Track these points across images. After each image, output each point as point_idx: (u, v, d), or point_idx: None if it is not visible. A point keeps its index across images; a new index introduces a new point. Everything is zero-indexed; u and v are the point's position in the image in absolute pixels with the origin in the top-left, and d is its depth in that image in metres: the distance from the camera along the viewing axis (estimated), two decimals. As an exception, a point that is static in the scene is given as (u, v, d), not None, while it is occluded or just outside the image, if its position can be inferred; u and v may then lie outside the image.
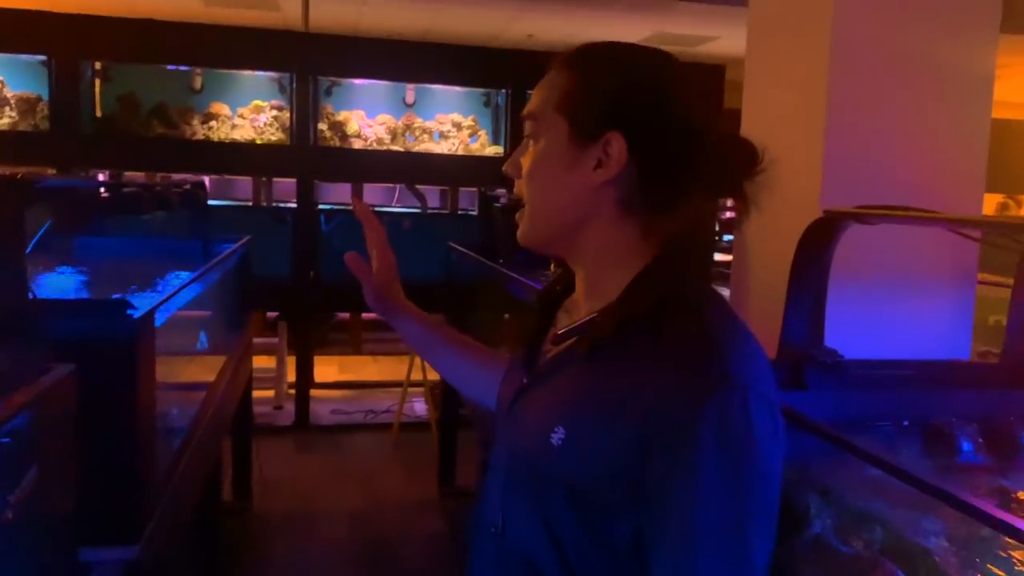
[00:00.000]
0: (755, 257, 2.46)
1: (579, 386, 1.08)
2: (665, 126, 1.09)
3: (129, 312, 1.91)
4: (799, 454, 1.61)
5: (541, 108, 1.14)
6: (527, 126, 1.16)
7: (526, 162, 1.15)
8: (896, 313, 2.20)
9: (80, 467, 1.51)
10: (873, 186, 2.11)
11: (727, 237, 5.26)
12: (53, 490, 1.37)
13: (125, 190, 2.75)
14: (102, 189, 2.73)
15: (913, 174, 2.19)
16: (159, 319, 2.16)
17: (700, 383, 0.98)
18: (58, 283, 2.95)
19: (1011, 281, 2.07)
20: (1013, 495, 1.52)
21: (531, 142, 1.15)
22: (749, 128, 2.54)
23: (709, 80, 6.42)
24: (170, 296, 2.31)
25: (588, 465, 1.02)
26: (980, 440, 1.67)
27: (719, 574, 0.96)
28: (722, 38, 8.80)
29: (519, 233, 1.17)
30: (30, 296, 1.74)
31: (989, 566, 1.30)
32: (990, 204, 9.77)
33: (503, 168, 1.19)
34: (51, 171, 5.24)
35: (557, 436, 1.05)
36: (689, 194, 1.11)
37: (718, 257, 4.10)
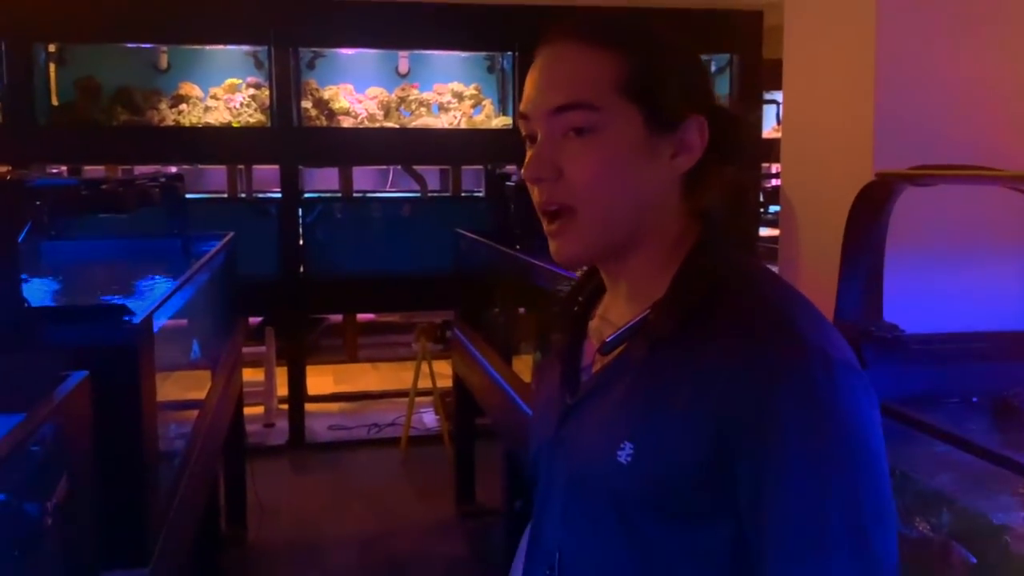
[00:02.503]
0: (804, 227, 2.58)
1: (639, 394, 1.07)
2: (716, 101, 1.14)
3: (127, 318, 2.06)
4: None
5: (598, 95, 1.08)
6: (572, 117, 1.08)
7: (579, 161, 1.08)
8: (959, 282, 2.31)
9: (98, 480, 1.65)
10: (929, 146, 2.21)
11: (772, 208, 5.36)
12: (81, 500, 1.52)
13: (103, 187, 2.89)
14: (81, 187, 2.87)
15: (972, 129, 2.30)
16: (155, 326, 2.30)
17: (772, 356, 0.98)
18: (42, 291, 3.09)
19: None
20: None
21: (575, 135, 1.08)
22: (791, 82, 2.66)
23: (745, 28, 6.50)
24: (165, 299, 2.45)
25: (665, 478, 1.02)
26: (1054, 413, 1.80)
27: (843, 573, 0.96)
28: (757, -20, 8.87)
29: (565, 249, 1.11)
30: (26, 305, 1.89)
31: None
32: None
33: (525, 174, 1.11)
34: (5, 168, 5.38)
35: (624, 453, 1.04)
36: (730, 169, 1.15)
37: (764, 232, 4.22)
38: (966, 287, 2.32)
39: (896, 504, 1.65)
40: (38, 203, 3.06)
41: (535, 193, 1.12)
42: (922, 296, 2.26)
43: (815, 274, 2.46)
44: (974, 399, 1.93)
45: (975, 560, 1.49)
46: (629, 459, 1.04)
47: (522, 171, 1.13)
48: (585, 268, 1.30)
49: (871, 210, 2.04)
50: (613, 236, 1.11)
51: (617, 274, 1.17)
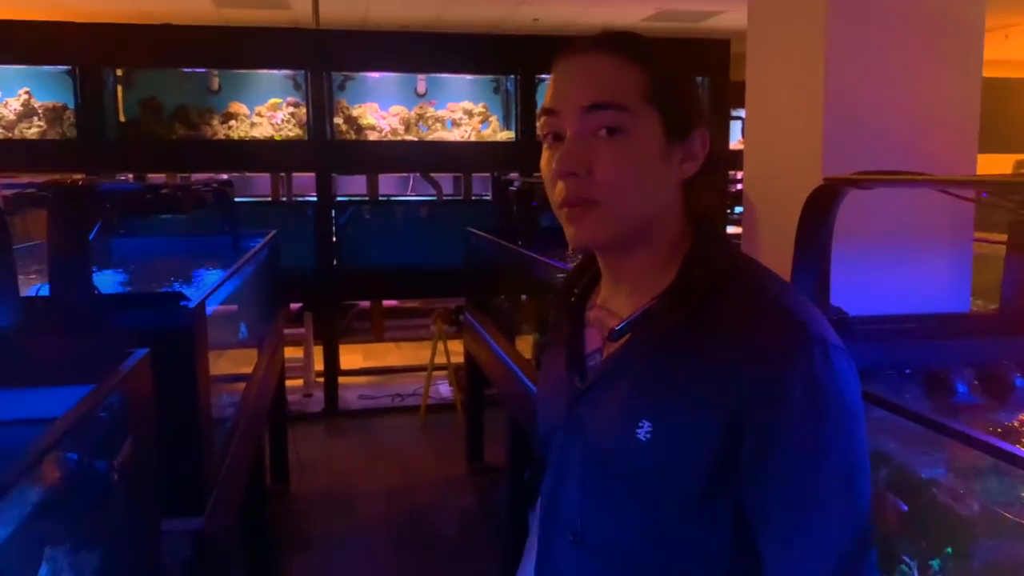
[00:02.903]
0: (763, 226, 2.58)
1: (654, 377, 1.05)
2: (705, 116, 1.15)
3: (184, 303, 2.07)
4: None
5: (628, 98, 1.06)
6: (605, 116, 1.05)
7: (608, 159, 1.04)
8: (896, 272, 2.31)
9: (158, 441, 1.65)
10: (873, 151, 2.21)
11: (738, 209, 5.37)
12: (144, 459, 1.53)
13: (164, 191, 2.90)
14: (144, 192, 2.89)
15: (910, 137, 2.30)
16: (207, 311, 2.30)
17: (782, 345, 0.98)
18: (111, 281, 3.10)
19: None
20: (1005, 427, 1.65)
21: (605, 134, 1.05)
22: (753, 101, 2.66)
23: (715, 54, 6.50)
24: (217, 287, 2.46)
25: (682, 453, 1.00)
26: (976, 383, 1.80)
27: (840, 528, 0.97)
28: (725, 12, 8.87)
29: (583, 236, 1.07)
30: (96, 292, 1.89)
31: (984, 493, 1.43)
32: (1008, 163, 9.78)
33: (557, 168, 1.05)
34: (80, 176, 5.39)
35: (643, 431, 1.02)
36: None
37: (729, 230, 4.22)
38: (902, 276, 2.32)
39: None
40: (107, 205, 3.08)
41: (559, 187, 1.06)
42: (864, 284, 2.26)
43: (772, 265, 2.45)
44: (907, 372, 1.93)
45: (906, 508, 1.49)
46: (648, 436, 1.02)
47: (553, 164, 1.07)
48: (580, 260, 1.27)
49: (820, 210, 2.04)
50: (627, 230, 1.08)
51: (621, 267, 1.13)
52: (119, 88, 6.19)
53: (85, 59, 5.65)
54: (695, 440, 0.99)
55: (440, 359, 6.55)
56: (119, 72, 6.14)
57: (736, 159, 7.25)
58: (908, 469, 1.53)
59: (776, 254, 2.41)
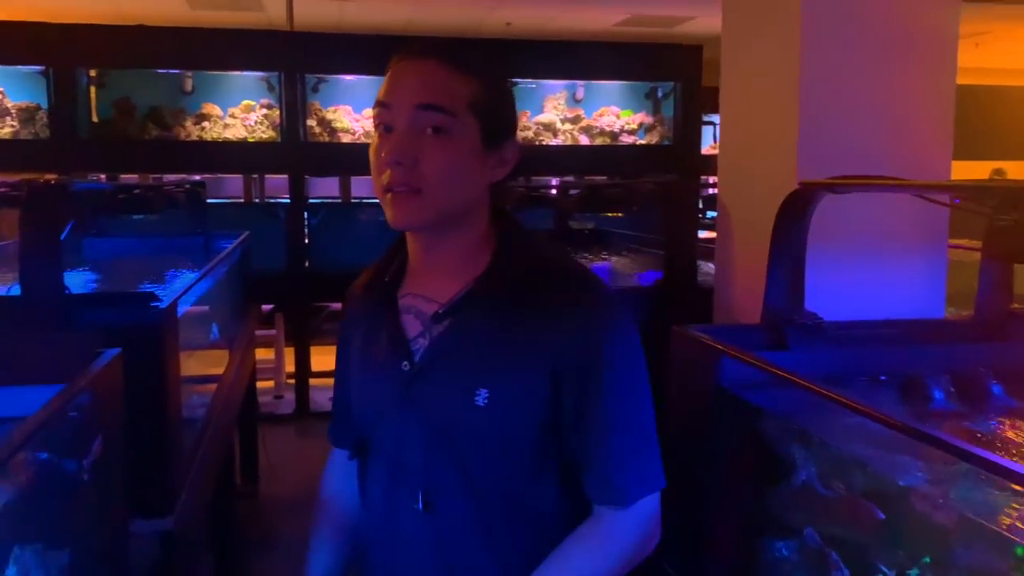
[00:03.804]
0: (738, 230, 2.57)
1: (486, 349, 1.18)
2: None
3: (154, 304, 2.02)
4: (782, 409, 1.73)
5: (454, 105, 1.18)
6: (433, 116, 1.16)
7: (432, 155, 1.16)
8: (871, 276, 2.32)
9: (128, 441, 1.61)
10: (848, 157, 2.21)
11: (710, 213, 5.37)
12: (113, 459, 1.49)
13: (136, 191, 2.84)
14: (117, 191, 2.84)
15: (884, 143, 2.30)
16: (178, 311, 2.25)
17: (591, 311, 1.19)
18: (82, 281, 3.04)
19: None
20: (981, 435, 1.65)
21: (431, 132, 1.16)
22: (727, 107, 2.65)
23: (687, 60, 6.50)
24: (189, 288, 2.41)
25: (517, 409, 1.17)
26: (952, 389, 1.79)
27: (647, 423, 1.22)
28: (698, 18, 8.91)
29: (404, 216, 1.18)
30: (66, 291, 1.85)
31: (962, 501, 1.42)
32: (984, 170, 9.87)
33: (387, 157, 1.17)
34: (52, 176, 5.30)
35: (481, 397, 1.16)
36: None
37: (702, 234, 4.21)
38: (877, 281, 2.33)
39: (815, 469, 1.66)
40: (80, 205, 3.02)
41: (387, 173, 1.17)
42: (839, 289, 2.26)
43: (746, 270, 2.45)
44: (882, 377, 1.92)
45: (883, 516, 1.48)
46: (486, 402, 1.16)
47: (381, 153, 1.18)
48: (388, 249, 1.38)
49: (795, 215, 2.03)
50: (442, 217, 1.20)
51: (436, 251, 1.25)
52: (92, 88, 6.10)
53: (58, 59, 5.56)
54: (527, 396, 1.17)
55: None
56: (92, 72, 6.05)
57: (709, 164, 7.25)
58: (884, 477, 1.52)
59: (750, 259, 2.41)
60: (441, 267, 1.25)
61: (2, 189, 2.71)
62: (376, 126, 1.22)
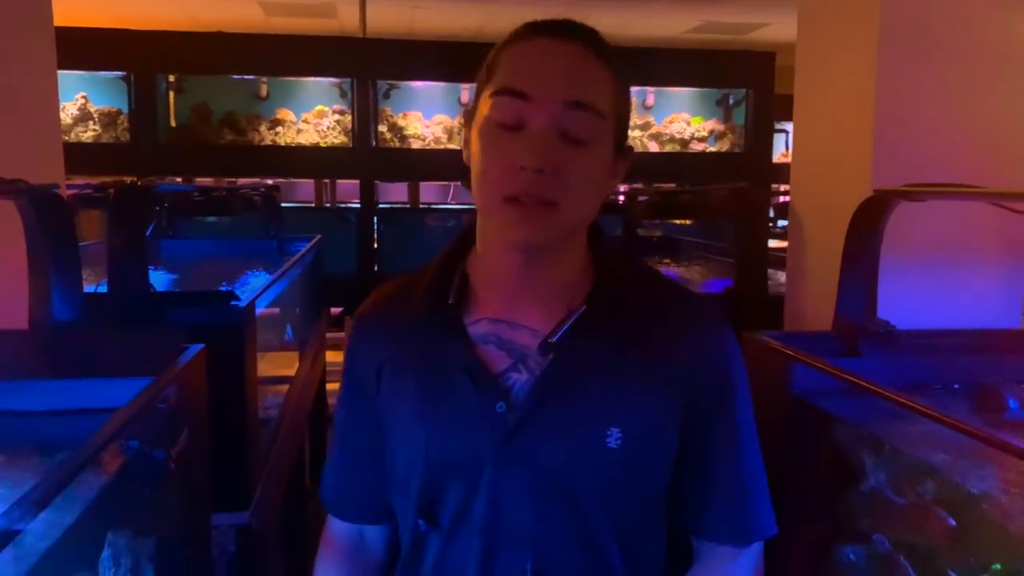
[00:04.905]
0: (811, 238, 2.57)
1: (609, 379, 1.01)
2: None
3: (234, 303, 2.10)
4: (854, 415, 1.74)
5: (605, 106, 1.01)
6: (583, 117, 0.97)
7: (578, 163, 0.98)
8: (945, 285, 2.30)
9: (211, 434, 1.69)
10: (925, 167, 2.20)
11: (781, 223, 5.33)
12: (197, 451, 1.56)
13: (214, 194, 2.95)
14: (196, 194, 2.95)
15: (963, 154, 2.28)
16: (256, 310, 2.34)
17: (718, 330, 1.10)
18: (163, 281, 3.16)
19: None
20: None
21: (576, 142, 0.98)
22: (801, 115, 2.65)
23: (760, 67, 6.47)
24: (266, 288, 2.49)
25: (650, 450, 1.02)
26: (1027, 399, 1.78)
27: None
28: (772, 24, 8.82)
29: (537, 234, 0.98)
30: (152, 290, 1.94)
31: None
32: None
33: (533, 162, 0.95)
34: (133, 179, 5.49)
35: (614, 439, 0.99)
36: None
37: (772, 243, 4.20)
38: (951, 290, 2.31)
39: (885, 475, 1.66)
40: (159, 207, 3.14)
41: (514, 181, 0.95)
42: (914, 298, 2.25)
43: (819, 278, 2.45)
44: (956, 386, 1.92)
45: (954, 523, 1.48)
46: (619, 443, 0.98)
47: (508, 155, 0.96)
48: (434, 265, 1.13)
49: (869, 221, 2.03)
50: (572, 230, 1.04)
51: (540, 270, 1.04)
52: (171, 94, 6.31)
53: (139, 65, 5.76)
54: (663, 431, 1.03)
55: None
56: (171, 78, 6.25)
57: (780, 172, 7.17)
58: (956, 483, 1.52)
59: (823, 266, 2.41)
60: (541, 290, 1.05)
61: (85, 191, 2.84)
62: (492, 118, 0.98)
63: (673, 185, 6.35)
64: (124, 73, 5.81)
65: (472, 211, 1.08)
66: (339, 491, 1.23)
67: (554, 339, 1.01)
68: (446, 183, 8.23)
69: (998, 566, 1.42)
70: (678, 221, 6.81)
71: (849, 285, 2.06)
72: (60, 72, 2.01)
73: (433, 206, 8.19)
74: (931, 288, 2.28)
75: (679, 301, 1.09)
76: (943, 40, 2.28)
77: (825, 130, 2.52)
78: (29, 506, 0.85)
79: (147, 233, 2.09)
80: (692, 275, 4.34)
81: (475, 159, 1.00)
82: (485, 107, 0.99)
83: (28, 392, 1.48)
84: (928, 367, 1.97)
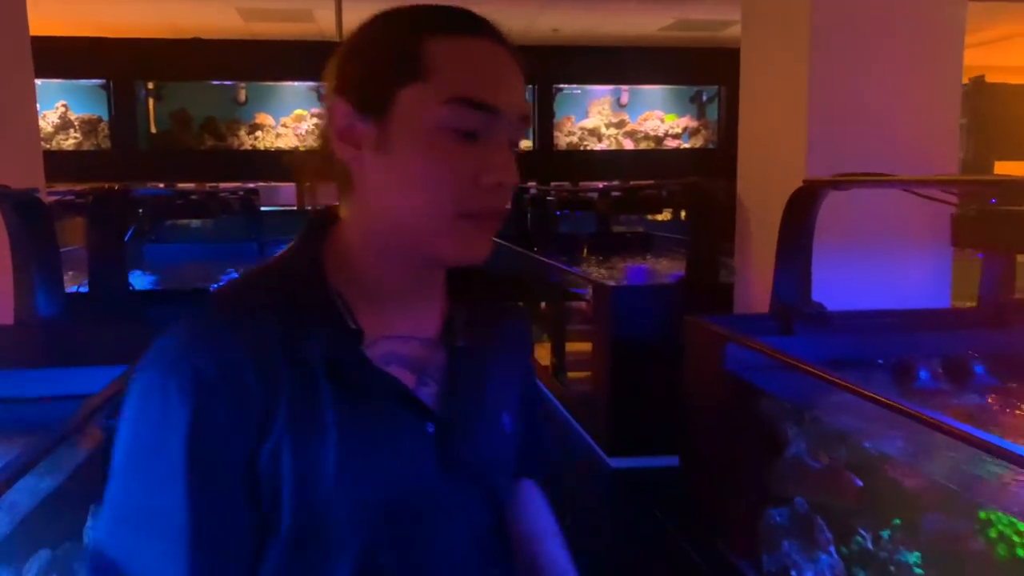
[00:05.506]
0: (755, 227, 2.72)
1: (486, 370, 1.00)
2: None
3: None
4: (782, 390, 1.89)
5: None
6: (524, 129, 0.93)
7: (516, 173, 0.90)
8: (879, 270, 2.44)
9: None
10: (857, 157, 2.33)
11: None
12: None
13: (192, 197, 3.08)
14: (175, 197, 3.08)
15: (892, 143, 2.42)
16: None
17: (525, 312, 1.17)
18: (146, 280, 3.28)
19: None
20: (954, 407, 1.79)
21: (511, 149, 0.90)
22: (746, 108, 2.80)
23: (732, 64, 6.58)
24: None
25: (518, 427, 1.07)
26: (939, 371, 1.93)
27: None
28: (743, 23, 8.93)
29: (487, 248, 0.91)
30: (131, 288, 2.08)
31: (933, 469, 1.57)
32: (1018, 171, 9.75)
33: (512, 180, 0.88)
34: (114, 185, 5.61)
35: (508, 423, 1.01)
36: None
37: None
38: (883, 274, 2.44)
39: (804, 444, 1.81)
40: (141, 210, 3.27)
41: (496, 195, 0.89)
42: (848, 281, 2.39)
43: (761, 263, 2.58)
44: (879, 361, 2.06)
45: (860, 483, 1.63)
46: (511, 426, 1.02)
47: (467, 167, 0.86)
48: (305, 287, 0.89)
49: (800, 210, 2.18)
50: None
51: (431, 279, 0.96)
52: (150, 100, 6.43)
53: (118, 73, 5.89)
54: (519, 405, 1.07)
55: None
56: (150, 85, 6.38)
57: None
58: (864, 447, 1.67)
59: (765, 252, 2.55)
60: (423, 298, 0.96)
61: (67, 198, 2.96)
62: (447, 126, 0.85)
63: (652, 182, 6.50)
64: (104, 81, 5.94)
65: (316, 221, 0.91)
66: None
67: (461, 343, 0.97)
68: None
69: (898, 520, 1.58)
70: (660, 217, 6.96)
71: (784, 269, 2.21)
72: (40, 81, 2.13)
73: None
74: (866, 273, 2.42)
75: (506, 292, 1.12)
76: (873, 32, 2.42)
77: (765, 124, 2.66)
78: (12, 471, 0.99)
79: (127, 236, 2.22)
80: (659, 268, 4.49)
81: (408, 165, 0.87)
82: (428, 109, 0.85)
83: (15, 380, 1.61)
84: (857, 345, 2.12)
